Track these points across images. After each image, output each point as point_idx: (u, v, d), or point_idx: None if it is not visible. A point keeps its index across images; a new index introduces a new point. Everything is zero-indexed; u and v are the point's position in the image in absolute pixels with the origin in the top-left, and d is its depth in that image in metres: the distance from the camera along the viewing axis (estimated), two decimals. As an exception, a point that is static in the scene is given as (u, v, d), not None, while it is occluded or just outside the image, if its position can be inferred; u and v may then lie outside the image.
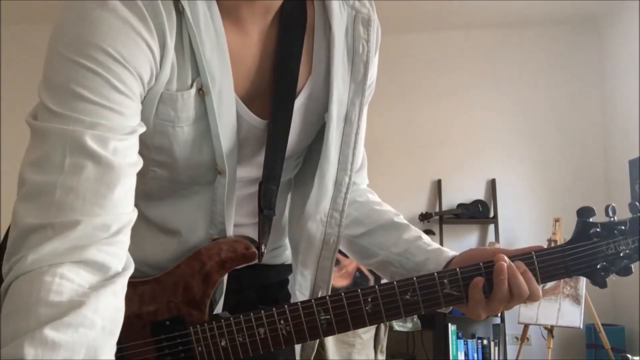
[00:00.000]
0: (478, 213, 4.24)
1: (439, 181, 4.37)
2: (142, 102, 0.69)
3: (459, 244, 4.25)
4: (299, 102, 0.82)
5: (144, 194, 0.79)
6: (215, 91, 0.72)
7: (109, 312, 0.59)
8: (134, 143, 0.66)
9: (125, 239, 0.64)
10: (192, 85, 0.72)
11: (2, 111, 4.14)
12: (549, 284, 3.55)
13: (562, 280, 3.51)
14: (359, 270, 3.95)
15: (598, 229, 0.79)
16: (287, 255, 0.98)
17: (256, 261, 0.79)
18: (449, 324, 3.86)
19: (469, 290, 0.77)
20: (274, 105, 0.80)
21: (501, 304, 0.77)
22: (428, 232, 4.18)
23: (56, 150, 0.60)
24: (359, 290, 0.76)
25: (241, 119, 0.78)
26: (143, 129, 0.69)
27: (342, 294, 0.76)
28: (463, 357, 3.88)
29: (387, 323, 3.45)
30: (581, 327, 3.36)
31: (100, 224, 0.60)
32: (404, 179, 4.38)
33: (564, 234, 3.76)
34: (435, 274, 0.77)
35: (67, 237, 0.58)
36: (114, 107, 0.64)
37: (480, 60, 4.46)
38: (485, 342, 3.92)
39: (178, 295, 0.77)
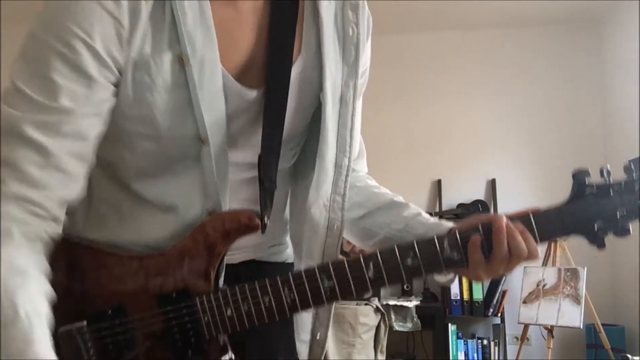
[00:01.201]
0: (478, 213, 4.24)
1: (439, 181, 4.37)
2: (115, 74, 0.73)
3: (459, 244, 4.25)
4: (293, 74, 0.83)
5: (138, 172, 0.80)
6: (196, 61, 0.74)
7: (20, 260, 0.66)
8: (84, 127, 0.71)
9: (51, 215, 0.70)
10: (168, 52, 0.74)
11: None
12: (549, 284, 3.55)
13: (562, 280, 3.51)
14: (359, 270, 3.95)
15: (594, 190, 0.79)
16: (287, 254, 0.98)
17: (259, 232, 0.80)
18: (449, 324, 3.86)
19: (468, 250, 0.78)
20: (269, 72, 0.81)
21: (501, 264, 0.78)
22: (428, 232, 4.18)
23: (4, 130, 0.68)
24: (361, 256, 0.78)
25: (229, 90, 0.78)
26: (105, 109, 0.73)
27: (345, 260, 0.78)
28: (463, 357, 3.88)
29: (387, 323, 3.45)
30: (581, 327, 3.35)
31: (24, 196, 0.67)
32: (404, 179, 4.37)
33: (564, 234, 3.76)
34: (435, 237, 0.78)
35: None
36: (74, 89, 0.69)
37: (480, 61, 4.46)
38: (485, 342, 3.92)
39: (184, 267, 0.78)
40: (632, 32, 3.84)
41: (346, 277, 0.77)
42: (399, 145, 4.44)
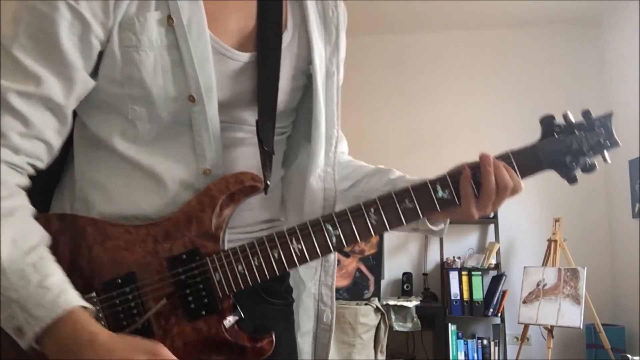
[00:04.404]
0: (478, 213, 4.23)
1: (439, 181, 4.37)
2: (100, 39, 0.76)
3: (459, 244, 4.25)
4: (283, 44, 0.87)
5: (132, 138, 0.81)
6: (184, 22, 0.77)
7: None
8: (62, 103, 0.75)
9: (27, 172, 0.76)
10: (154, 12, 0.77)
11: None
12: (549, 284, 3.55)
13: (562, 280, 3.51)
14: (359, 270, 3.94)
15: (560, 129, 0.89)
16: None
17: (263, 193, 0.83)
18: (449, 324, 3.86)
19: (460, 184, 0.84)
20: (260, 37, 0.85)
21: (490, 198, 0.84)
22: (428, 232, 4.18)
23: None
24: (362, 204, 0.82)
25: (217, 51, 0.81)
26: (83, 79, 0.76)
27: (347, 209, 0.82)
28: (463, 357, 3.88)
29: (387, 323, 3.45)
30: (581, 327, 3.36)
31: (6, 160, 0.72)
32: (404, 179, 4.37)
33: (564, 234, 3.76)
34: (427, 180, 0.84)
35: None
36: (56, 56, 0.73)
37: (480, 60, 4.46)
38: (485, 342, 3.92)
39: (192, 230, 0.79)
40: (631, 32, 3.84)
41: (350, 225, 0.81)
42: (399, 145, 4.44)
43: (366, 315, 3.34)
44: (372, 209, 0.81)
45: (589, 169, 0.89)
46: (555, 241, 3.71)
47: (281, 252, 0.79)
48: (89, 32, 0.74)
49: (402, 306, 3.71)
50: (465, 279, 3.91)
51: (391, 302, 3.73)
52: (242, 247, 0.79)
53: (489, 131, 4.37)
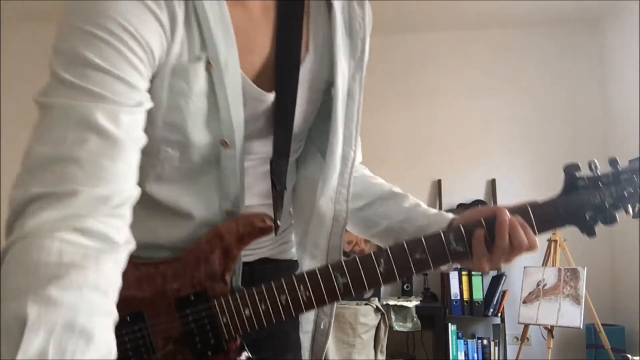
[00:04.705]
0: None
1: (439, 181, 4.38)
2: (154, 76, 0.71)
3: (459, 244, 4.25)
4: (302, 73, 0.84)
5: (155, 177, 0.80)
6: (221, 65, 0.74)
7: (111, 277, 0.60)
8: (139, 118, 0.67)
9: (126, 213, 0.65)
10: (201, 58, 0.73)
11: (2, 110, 4.14)
12: (549, 284, 3.55)
13: (562, 280, 3.51)
14: (359, 270, 3.94)
15: (584, 182, 0.84)
16: (293, 253, 1.00)
17: (272, 235, 0.82)
18: (449, 324, 3.86)
19: (473, 244, 0.81)
20: (277, 76, 0.82)
21: (503, 255, 0.81)
22: (428, 232, 4.18)
23: (61, 123, 0.62)
24: (372, 253, 0.80)
25: (247, 93, 0.79)
26: (150, 104, 0.69)
27: (357, 257, 0.80)
28: (463, 357, 3.87)
29: (387, 323, 3.45)
30: (581, 327, 3.35)
31: (101, 196, 0.61)
32: (404, 179, 4.37)
33: (564, 234, 3.76)
34: (441, 232, 0.81)
35: (68, 205, 0.59)
36: (123, 77, 0.65)
37: (480, 60, 4.46)
38: (485, 342, 3.92)
39: (200, 271, 0.79)
40: (632, 32, 3.84)
41: (359, 273, 0.80)
42: (399, 145, 4.44)
43: (366, 315, 3.34)
44: (383, 259, 0.80)
45: (609, 222, 0.84)
46: (555, 241, 3.70)
47: (289, 298, 0.79)
48: (149, 57, 0.68)
49: (402, 306, 3.71)
50: (465, 279, 3.91)
51: (391, 302, 3.73)
52: (250, 290, 0.79)
53: (489, 131, 4.37)
